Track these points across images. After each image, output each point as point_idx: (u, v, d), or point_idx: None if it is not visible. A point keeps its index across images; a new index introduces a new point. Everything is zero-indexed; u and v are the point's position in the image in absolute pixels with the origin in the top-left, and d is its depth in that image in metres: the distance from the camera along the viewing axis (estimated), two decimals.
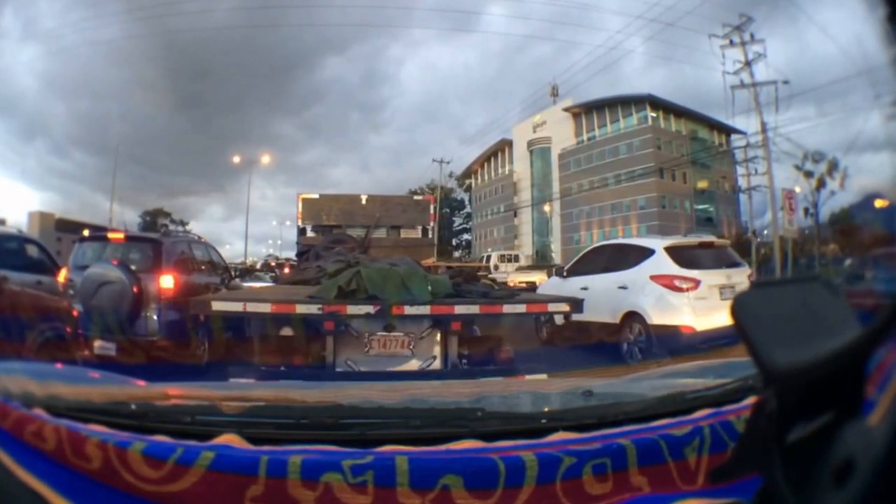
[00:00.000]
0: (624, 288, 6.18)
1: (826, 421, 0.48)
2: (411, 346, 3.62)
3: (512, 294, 4.52)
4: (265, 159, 30.69)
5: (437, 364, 3.68)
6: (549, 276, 8.02)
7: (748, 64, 20.93)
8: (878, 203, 18.96)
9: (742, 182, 24.17)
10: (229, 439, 0.73)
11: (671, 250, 6.20)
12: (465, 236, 48.91)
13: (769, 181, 21.21)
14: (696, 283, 5.83)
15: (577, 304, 4.23)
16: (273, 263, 19.72)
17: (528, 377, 3.40)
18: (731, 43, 21.23)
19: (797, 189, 22.37)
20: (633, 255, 6.47)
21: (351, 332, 3.62)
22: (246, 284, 14.27)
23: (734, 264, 6.45)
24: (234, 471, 0.67)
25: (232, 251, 32.16)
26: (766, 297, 0.52)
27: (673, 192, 33.47)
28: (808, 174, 23.67)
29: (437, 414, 1.01)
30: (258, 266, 21.12)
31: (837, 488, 0.44)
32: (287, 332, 3.61)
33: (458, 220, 50.04)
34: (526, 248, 37.41)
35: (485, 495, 0.68)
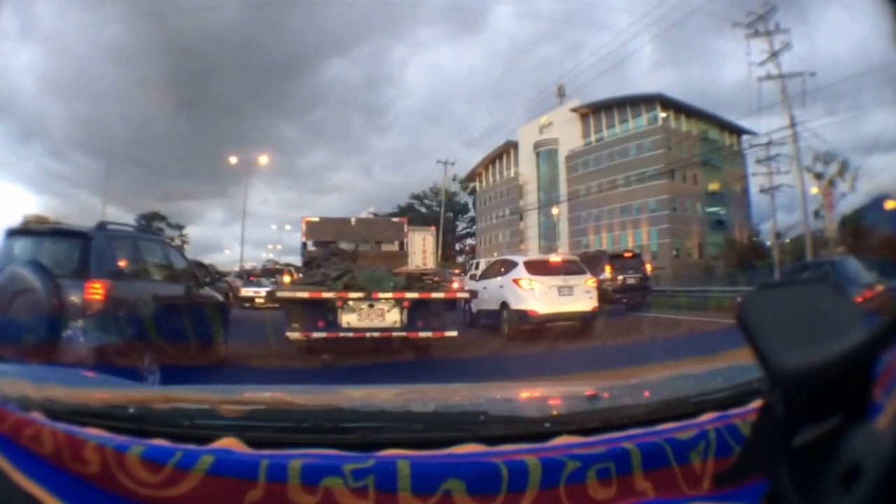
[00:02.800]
0: (501, 287, 9.61)
1: (833, 424, 0.49)
2: (383, 315, 6.58)
3: (438, 287, 7.78)
4: (263, 159, 30.77)
5: (398, 325, 6.55)
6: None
7: (774, 55, 20.69)
8: (890, 204, 18.75)
9: (764, 182, 23.79)
10: (229, 443, 0.73)
11: (527, 263, 9.86)
12: (470, 241, 48.82)
13: (799, 178, 20.78)
14: (539, 283, 9.28)
15: (473, 294, 9.16)
16: (274, 269, 20.06)
17: (445, 334, 6.62)
18: (756, 32, 21.04)
19: (814, 189, 22.17)
20: (507, 266, 10.12)
21: (350, 306, 6.52)
22: (250, 289, 14.23)
23: (575, 273, 9.88)
24: (234, 475, 0.67)
25: (233, 256, 32.19)
26: (772, 299, 0.52)
27: (684, 194, 33.29)
28: (819, 175, 23.45)
29: (439, 417, 1.01)
30: (258, 271, 21.30)
31: (844, 492, 0.44)
32: (316, 307, 6.43)
33: (461, 225, 49.98)
34: (532, 252, 37.30)
35: (487, 500, 0.68)
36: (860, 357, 0.46)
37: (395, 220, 11.66)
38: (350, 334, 6.39)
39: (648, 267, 16.54)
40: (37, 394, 0.83)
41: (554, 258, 11.15)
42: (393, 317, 6.55)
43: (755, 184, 24.67)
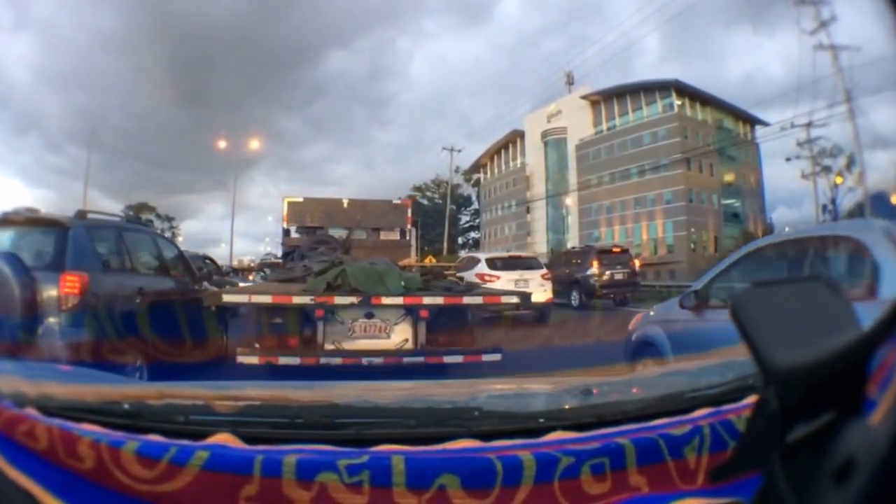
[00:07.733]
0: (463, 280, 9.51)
1: (827, 420, 0.50)
2: (387, 331, 4.86)
3: (470, 288, 5.73)
4: (254, 143, 30.61)
5: (409, 345, 4.84)
6: None
7: (823, 25, 20.87)
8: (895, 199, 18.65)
9: (805, 167, 23.86)
10: (224, 439, 0.75)
11: (488, 260, 11.73)
12: (473, 234, 48.82)
13: (859, 156, 20.87)
14: (498, 277, 10.87)
15: (525, 298, 5.94)
16: (272, 262, 19.94)
17: (484, 359, 4.80)
18: (804, 1, 21.24)
19: (839, 179, 22.12)
20: (472, 262, 11.88)
21: (337, 319, 4.80)
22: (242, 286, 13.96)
23: (532, 268, 11.69)
24: (229, 470, 0.69)
25: (230, 250, 32.46)
26: (767, 296, 0.54)
27: (700, 185, 33.11)
28: (827, 169, 23.46)
29: (433, 413, 1.03)
30: (256, 264, 21.08)
31: (838, 488, 0.46)
32: (285, 318, 4.75)
33: (464, 218, 49.93)
34: (540, 245, 37.21)
35: (482, 495, 0.71)
36: (855, 354, 0.47)
37: (397, 202, 9.89)
38: (337, 360, 4.65)
39: (637, 262, 17.44)
40: (31, 390, 0.85)
41: (514, 254, 13.35)
42: (403, 333, 4.85)
43: (797, 169, 24.66)
